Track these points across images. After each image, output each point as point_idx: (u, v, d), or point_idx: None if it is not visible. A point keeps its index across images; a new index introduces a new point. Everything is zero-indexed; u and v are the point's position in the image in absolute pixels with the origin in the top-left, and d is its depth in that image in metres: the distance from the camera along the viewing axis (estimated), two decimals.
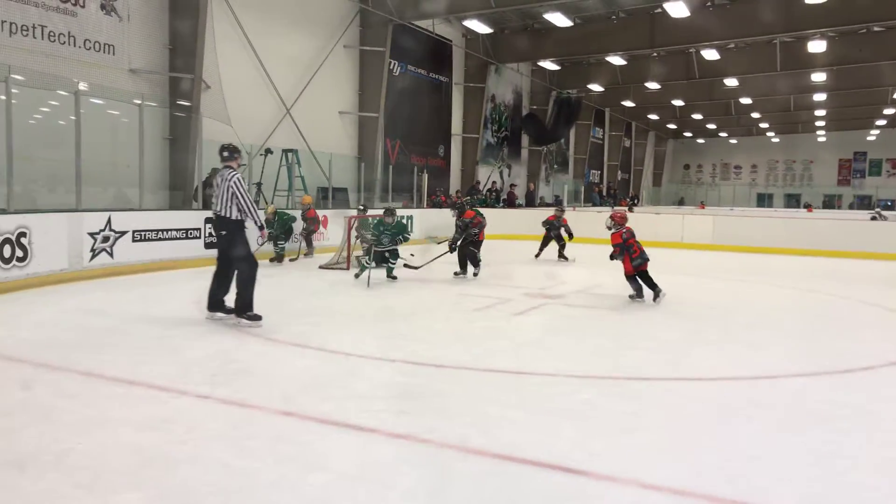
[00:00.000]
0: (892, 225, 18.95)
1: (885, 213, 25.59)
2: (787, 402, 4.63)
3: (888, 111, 34.21)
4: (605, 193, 36.19)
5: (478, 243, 10.42)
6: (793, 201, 45.73)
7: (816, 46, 19.66)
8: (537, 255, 13.61)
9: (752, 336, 6.84)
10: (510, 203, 24.53)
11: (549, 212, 14.55)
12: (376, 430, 3.82)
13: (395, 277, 9.67)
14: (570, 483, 3.23)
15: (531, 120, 27.91)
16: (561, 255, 13.35)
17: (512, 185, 26.40)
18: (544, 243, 13.65)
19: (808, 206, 39.22)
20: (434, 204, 19.58)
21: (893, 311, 8.33)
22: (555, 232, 13.40)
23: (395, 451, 3.59)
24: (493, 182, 25.46)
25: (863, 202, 43.65)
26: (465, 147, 23.88)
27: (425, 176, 19.19)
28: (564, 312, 7.85)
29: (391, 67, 18.41)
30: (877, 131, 42.89)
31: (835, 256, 15.26)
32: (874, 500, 3.15)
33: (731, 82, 26.19)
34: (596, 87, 27.18)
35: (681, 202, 44.35)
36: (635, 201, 37.15)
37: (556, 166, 32.44)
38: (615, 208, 21.54)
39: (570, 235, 13.26)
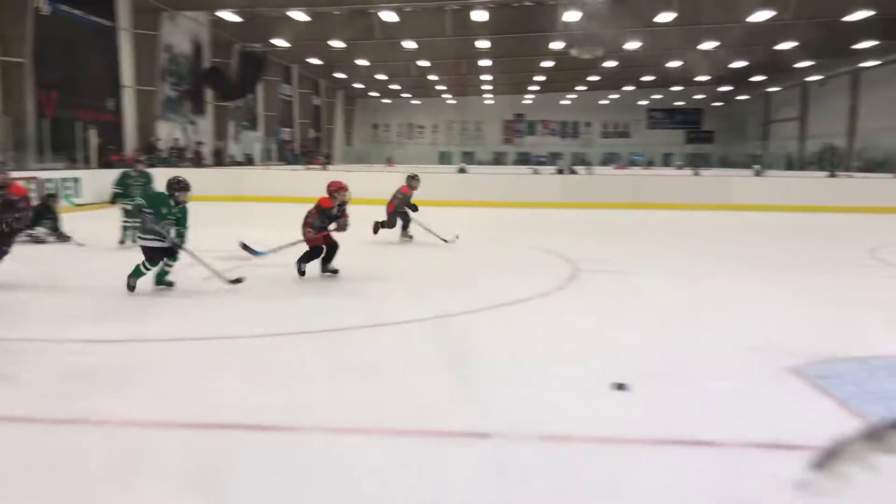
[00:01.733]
0: (546, 178, 22.09)
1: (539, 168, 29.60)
2: (460, 334, 5.17)
3: (538, 78, 39.44)
4: (298, 152, 36.04)
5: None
6: (468, 158, 50.48)
7: (479, 16, 21.68)
8: (379, 229, 10.46)
9: (435, 283, 7.46)
10: (197, 162, 23.11)
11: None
12: (41, 421, 3.36)
13: (171, 284, 6.55)
14: (271, 440, 3.22)
15: (214, 74, 26.43)
16: (406, 235, 10.58)
17: (199, 143, 24.86)
18: (393, 220, 10.43)
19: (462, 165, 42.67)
20: (106, 164, 17.55)
21: (545, 250, 9.74)
22: (403, 207, 10.38)
23: (67, 438, 3.21)
24: (176, 139, 23.67)
25: (523, 159, 50.06)
26: (140, 101, 21.72)
27: (93, 132, 17.06)
28: (261, 273, 7.68)
29: (36, 5, 15.81)
30: (532, 96, 49.24)
31: (497, 206, 17.27)
32: (534, 391, 3.69)
33: (409, 45, 27.68)
34: (281, 43, 26.65)
35: (389, 160, 45.76)
36: (328, 160, 37.65)
37: (245, 123, 31.31)
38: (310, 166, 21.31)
39: (415, 208, 10.49)
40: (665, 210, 16.59)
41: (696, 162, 43.45)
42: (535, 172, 26.49)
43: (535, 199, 17.91)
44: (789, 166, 38.18)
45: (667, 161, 46.90)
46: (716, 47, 27.68)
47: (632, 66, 35.37)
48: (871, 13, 20.90)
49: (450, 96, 49.83)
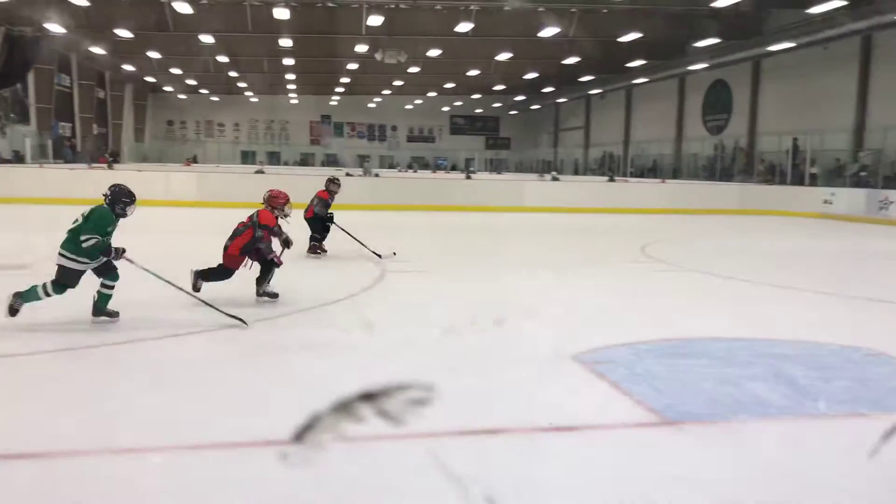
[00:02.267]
0: (354, 179, 22.10)
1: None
2: (261, 340, 5.01)
3: (345, 80, 39.37)
4: (79, 149, 32.74)
5: None
6: (274, 159, 49.12)
7: (281, 13, 21.15)
8: (318, 250, 9.18)
9: (238, 287, 7.15)
10: None
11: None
12: None
13: (114, 315, 5.26)
14: (36, 468, 2.88)
15: None
16: (320, 248, 9.22)
17: None
18: (325, 231, 9.20)
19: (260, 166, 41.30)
20: None
21: (353, 252, 9.75)
22: (323, 213, 9.12)
23: None
24: None
25: (331, 160, 49.72)
26: None
27: None
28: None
29: None
30: (338, 97, 49.00)
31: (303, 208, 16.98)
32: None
33: (206, 39, 26.28)
34: (56, 28, 23.98)
35: (191, 159, 42.65)
36: (115, 158, 34.65)
37: (12, 116, 27.82)
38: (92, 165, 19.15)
39: (331, 218, 9.23)
40: (467, 212, 17.35)
41: (496, 167, 46.06)
42: (349, 175, 26.48)
43: (343, 200, 17.83)
44: (576, 171, 41.74)
45: (468, 165, 49.12)
46: (510, 58, 29.46)
47: (434, 73, 36.56)
48: (639, 35, 23.47)
49: (252, 94, 48.10)
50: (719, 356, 4.74)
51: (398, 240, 11.90)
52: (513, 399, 3.89)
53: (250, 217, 6.04)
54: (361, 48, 27.15)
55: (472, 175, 29.45)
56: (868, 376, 4.40)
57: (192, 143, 49.33)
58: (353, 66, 33.48)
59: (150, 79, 40.77)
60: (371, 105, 50.70)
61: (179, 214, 14.95)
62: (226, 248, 5.95)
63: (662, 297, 7.17)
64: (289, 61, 32.83)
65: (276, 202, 6.11)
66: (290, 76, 38.75)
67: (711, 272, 8.77)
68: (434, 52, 28.23)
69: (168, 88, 45.52)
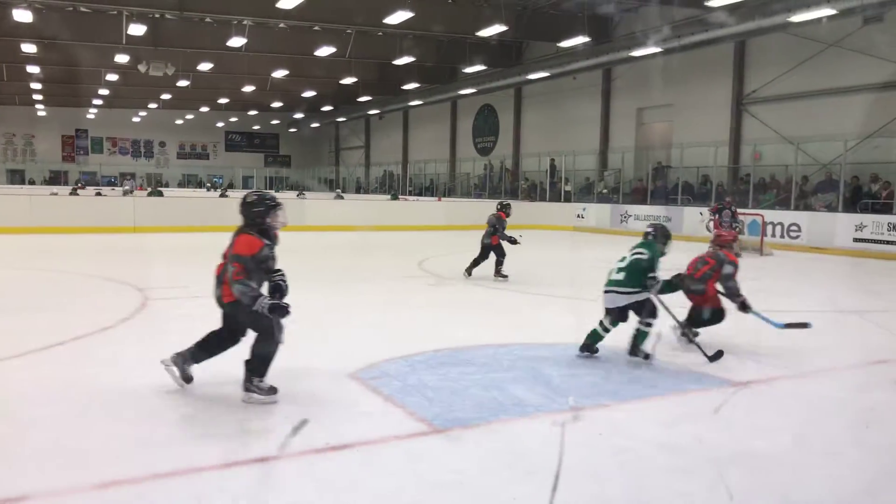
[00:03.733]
0: (116, 200, 20.31)
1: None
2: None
3: (103, 91, 36.00)
4: None
5: None
6: (17, 177, 43.49)
7: (23, 16, 18.85)
8: (469, 272, 9.70)
9: None
10: None
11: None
12: None
13: (647, 357, 5.28)
14: None
15: None
16: (499, 273, 9.62)
17: None
18: (483, 255, 9.66)
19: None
20: None
21: (111, 280, 8.91)
22: (488, 238, 9.56)
23: None
24: None
25: (89, 179, 45.13)
26: None
27: None
28: None
29: None
30: (95, 110, 44.62)
31: (54, 233, 15.24)
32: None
33: None
34: None
35: None
36: None
37: None
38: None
39: (513, 240, 9.52)
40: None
41: (276, 185, 44.98)
42: (156, 194, 24.34)
43: (104, 223, 16.31)
44: (358, 189, 42.21)
45: (247, 183, 47.44)
46: (287, 76, 29.05)
47: (207, 88, 34.85)
48: (412, 59, 24.43)
49: None
50: (485, 362, 5.06)
51: (165, 263, 11.13)
52: (288, 422, 3.81)
53: (712, 257, 5.78)
54: (122, 58, 25.06)
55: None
56: (609, 371, 4.97)
57: None
58: (113, 76, 30.75)
59: None
60: (136, 119, 46.91)
61: None
62: (703, 292, 5.72)
63: (436, 309, 7.50)
64: (34, 69, 29.32)
65: (724, 240, 6.37)
66: (36, 85, 34.59)
67: (481, 284, 9.34)
68: (205, 66, 26.92)
69: None
